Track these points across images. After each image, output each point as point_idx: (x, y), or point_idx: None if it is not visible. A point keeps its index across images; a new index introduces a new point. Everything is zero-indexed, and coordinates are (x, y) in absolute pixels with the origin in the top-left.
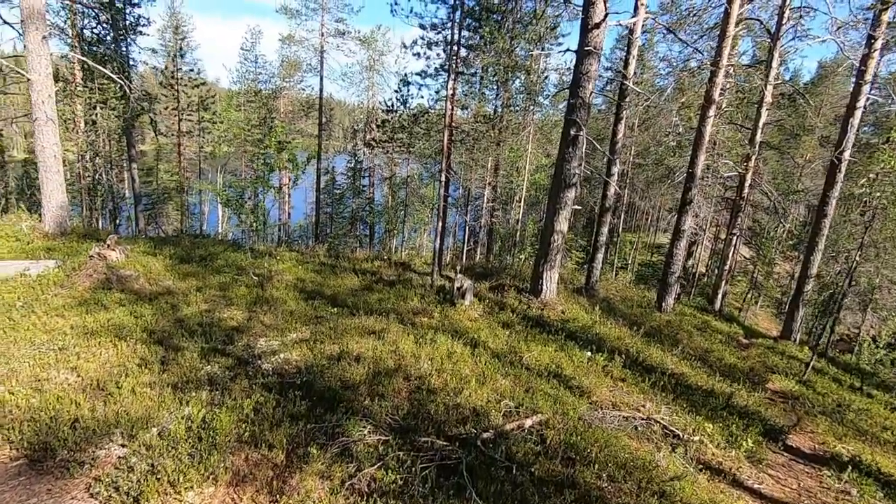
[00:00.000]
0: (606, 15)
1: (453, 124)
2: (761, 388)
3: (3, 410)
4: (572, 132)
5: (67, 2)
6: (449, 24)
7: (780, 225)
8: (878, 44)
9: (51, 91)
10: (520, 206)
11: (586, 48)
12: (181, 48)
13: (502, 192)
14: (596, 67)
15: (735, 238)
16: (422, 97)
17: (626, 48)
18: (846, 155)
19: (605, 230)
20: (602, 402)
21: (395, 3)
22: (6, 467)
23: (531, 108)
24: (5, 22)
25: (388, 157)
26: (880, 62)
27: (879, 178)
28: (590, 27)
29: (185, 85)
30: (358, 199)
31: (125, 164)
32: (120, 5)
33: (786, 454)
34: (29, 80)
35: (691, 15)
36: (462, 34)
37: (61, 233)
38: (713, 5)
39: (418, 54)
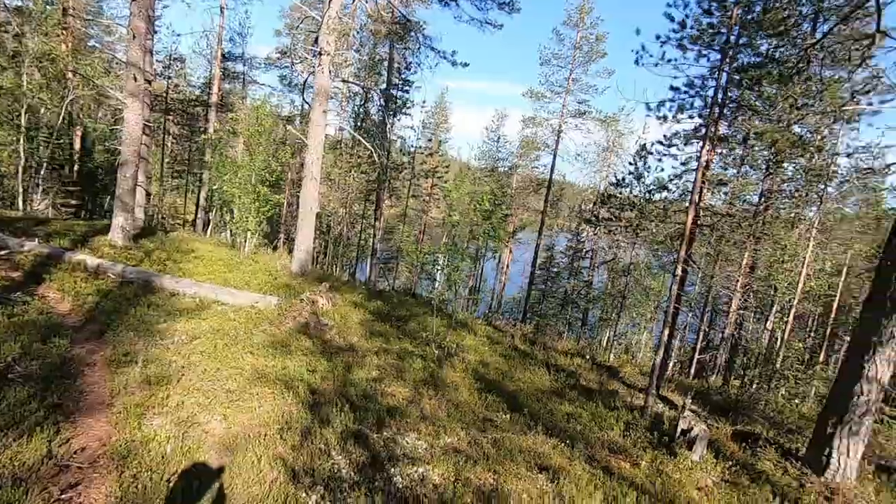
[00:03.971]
0: None
1: (702, 204)
2: None
3: (141, 453)
4: None
5: (359, 87)
6: (712, 81)
7: None
8: None
9: (319, 155)
10: (785, 321)
11: None
12: (423, 121)
13: (757, 299)
14: None
15: None
16: (661, 170)
17: None
18: None
19: None
20: None
21: (643, 50)
22: None
23: (817, 194)
24: (304, 100)
25: (612, 238)
26: None
27: None
28: None
29: (420, 153)
30: (574, 281)
31: (371, 222)
32: (393, 91)
33: None
34: (306, 144)
35: None
36: (728, 94)
37: (302, 273)
38: None
39: (664, 118)
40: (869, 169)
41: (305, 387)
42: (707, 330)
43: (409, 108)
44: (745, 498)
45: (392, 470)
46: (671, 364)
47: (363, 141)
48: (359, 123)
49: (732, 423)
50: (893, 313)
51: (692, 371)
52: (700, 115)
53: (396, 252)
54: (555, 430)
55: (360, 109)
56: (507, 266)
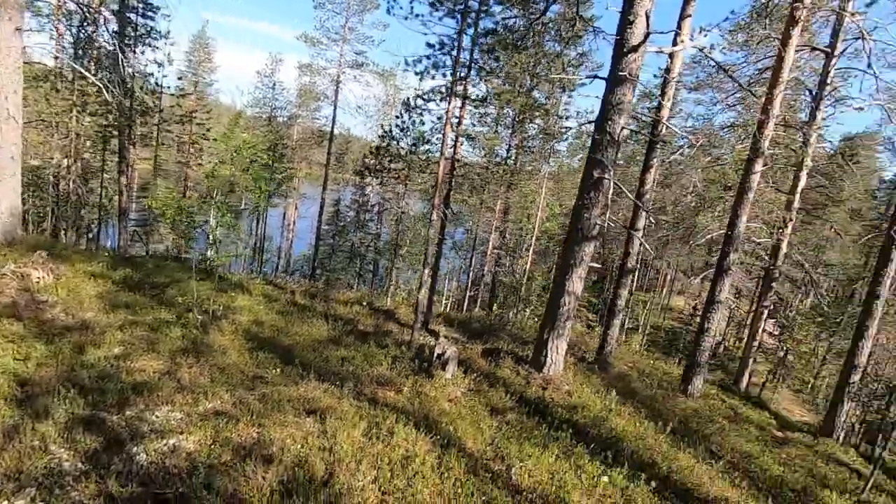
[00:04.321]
0: (648, 35)
1: (457, 158)
2: None
3: None
4: (596, 174)
5: (76, 4)
6: (457, 42)
7: (813, 299)
8: None
9: (17, 87)
10: (528, 256)
11: (620, 73)
12: (169, 55)
13: (510, 239)
14: (630, 98)
15: (766, 311)
16: (423, 124)
17: (662, 83)
18: None
19: (624, 293)
20: None
21: (394, 1)
22: None
23: (548, 150)
24: None
25: (391, 190)
26: None
27: None
28: (626, 50)
29: (174, 95)
30: (360, 234)
31: (115, 176)
32: (131, 15)
33: None
34: None
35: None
36: (474, 56)
37: (8, 242)
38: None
39: (421, 74)
40: (575, 129)
41: (11, 379)
42: (477, 269)
43: (154, 38)
44: (485, 399)
45: (134, 449)
46: (447, 303)
47: (87, 75)
48: (79, 52)
49: (484, 343)
50: (583, 241)
51: (465, 306)
52: (452, 74)
53: (156, 212)
54: (328, 376)
55: (82, 34)
56: (294, 222)
